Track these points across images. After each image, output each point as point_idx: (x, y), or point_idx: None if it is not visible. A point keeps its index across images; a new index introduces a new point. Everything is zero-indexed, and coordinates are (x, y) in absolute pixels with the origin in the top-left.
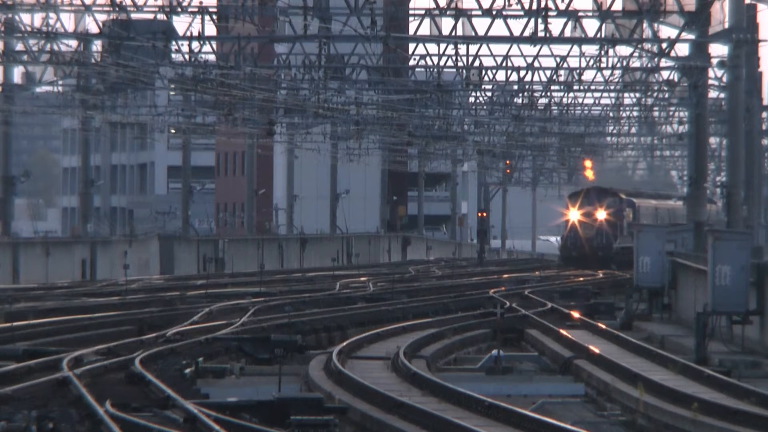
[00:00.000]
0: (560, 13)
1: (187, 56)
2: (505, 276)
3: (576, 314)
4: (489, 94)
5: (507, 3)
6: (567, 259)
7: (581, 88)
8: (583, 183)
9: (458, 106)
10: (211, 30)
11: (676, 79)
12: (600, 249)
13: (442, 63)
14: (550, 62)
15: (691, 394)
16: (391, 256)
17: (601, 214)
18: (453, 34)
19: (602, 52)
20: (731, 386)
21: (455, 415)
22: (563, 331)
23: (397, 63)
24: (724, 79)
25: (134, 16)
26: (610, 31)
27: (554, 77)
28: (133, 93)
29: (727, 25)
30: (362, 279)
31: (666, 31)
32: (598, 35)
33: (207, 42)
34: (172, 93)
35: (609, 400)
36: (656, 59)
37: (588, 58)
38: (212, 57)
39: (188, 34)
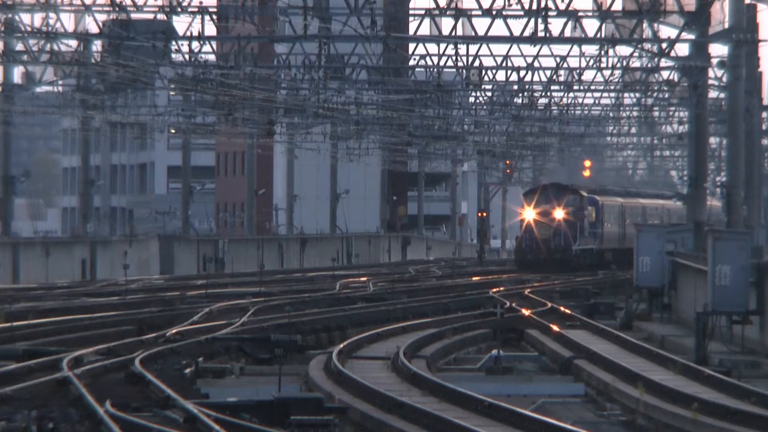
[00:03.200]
0: (560, 13)
1: (187, 56)
2: (505, 276)
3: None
4: (489, 94)
5: (507, 3)
6: (522, 263)
7: (581, 88)
8: (582, 182)
9: (458, 106)
10: (211, 30)
11: (676, 79)
12: (558, 251)
13: (442, 63)
14: (550, 62)
15: (691, 394)
16: (391, 256)
17: (559, 213)
18: (453, 34)
19: (602, 52)
20: (731, 386)
21: (455, 415)
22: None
23: (397, 63)
24: (724, 79)
25: (134, 16)
26: (610, 31)
27: (554, 77)
28: (133, 93)
29: (727, 25)
30: (362, 279)
31: (666, 31)
32: (598, 35)
33: (207, 42)
34: (172, 93)
35: (609, 400)
36: (656, 59)
37: (588, 58)
38: (212, 57)
39: (188, 34)
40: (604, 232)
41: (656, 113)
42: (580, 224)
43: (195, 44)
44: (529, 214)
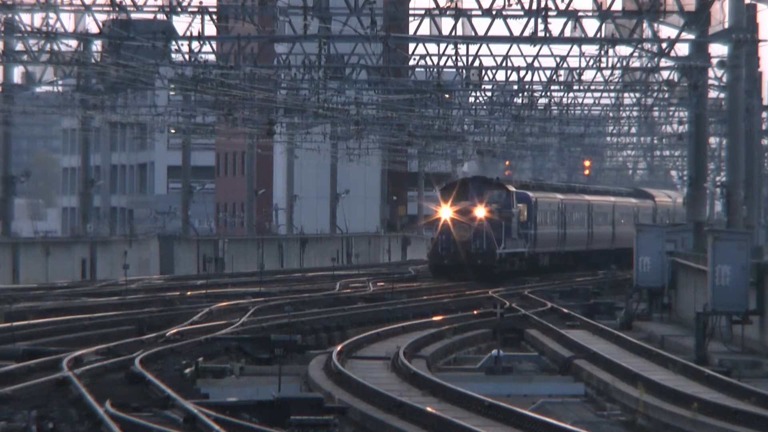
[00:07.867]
0: (560, 13)
1: (187, 56)
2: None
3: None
4: (489, 94)
5: (507, 3)
6: (438, 268)
7: (581, 88)
8: (582, 182)
9: (458, 106)
10: (211, 30)
11: (676, 79)
12: (479, 256)
13: (442, 63)
14: (550, 62)
15: (691, 394)
16: (391, 256)
17: (481, 212)
18: (453, 34)
19: (602, 52)
20: (731, 386)
21: (455, 415)
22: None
23: (397, 63)
24: (724, 79)
25: (134, 16)
26: (610, 31)
27: (554, 77)
28: (133, 93)
29: (727, 25)
30: (362, 279)
31: (666, 31)
32: (598, 35)
33: (207, 42)
34: (172, 93)
35: (609, 400)
36: (656, 59)
37: (588, 58)
38: (212, 57)
39: (188, 34)
40: (539, 233)
41: (656, 113)
42: (507, 224)
43: (195, 44)
44: (446, 212)
